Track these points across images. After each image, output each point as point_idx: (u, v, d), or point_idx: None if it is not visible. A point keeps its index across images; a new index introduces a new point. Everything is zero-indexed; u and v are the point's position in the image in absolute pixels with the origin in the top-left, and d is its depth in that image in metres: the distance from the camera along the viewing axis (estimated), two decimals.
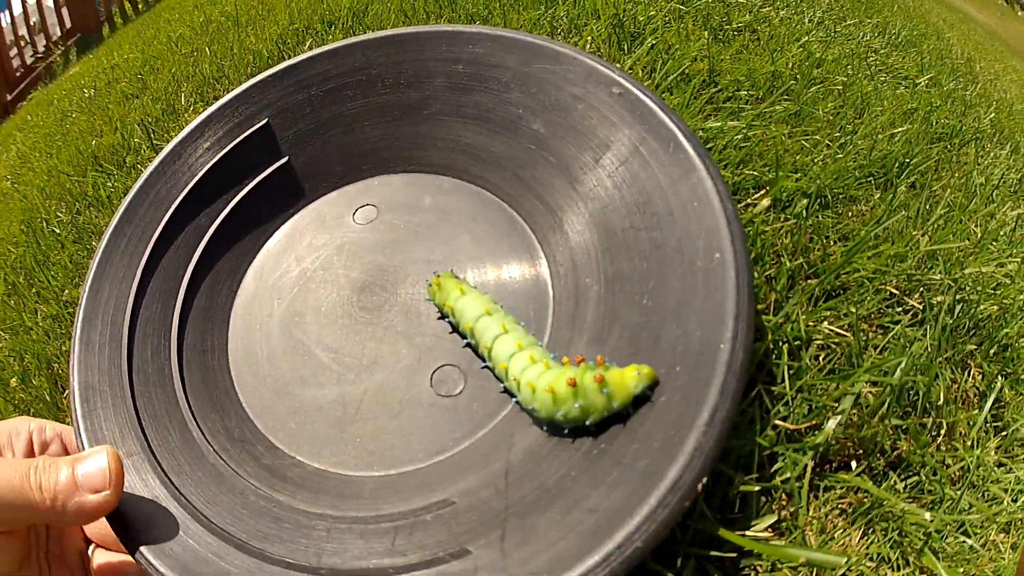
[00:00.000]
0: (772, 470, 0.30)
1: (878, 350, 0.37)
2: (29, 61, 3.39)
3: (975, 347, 0.43)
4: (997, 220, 0.54)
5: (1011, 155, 0.68)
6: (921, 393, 0.37)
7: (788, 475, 0.29)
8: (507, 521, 0.26)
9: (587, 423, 0.27)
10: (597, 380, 0.26)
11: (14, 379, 0.57)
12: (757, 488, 0.27)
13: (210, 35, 1.18)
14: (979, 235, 0.51)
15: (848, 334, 0.36)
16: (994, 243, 0.52)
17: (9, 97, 3.01)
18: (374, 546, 0.27)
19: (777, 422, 0.30)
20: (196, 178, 0.41)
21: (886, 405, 0.35)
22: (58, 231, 0.80)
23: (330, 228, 0.41)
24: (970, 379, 0.42)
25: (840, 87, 0.54)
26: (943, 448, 0.38)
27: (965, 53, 1.31)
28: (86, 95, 1.50)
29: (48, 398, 0.58)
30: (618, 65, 0.41)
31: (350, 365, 0.35)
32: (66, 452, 0.33)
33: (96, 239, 0.72)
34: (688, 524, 0.27)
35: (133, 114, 1.01)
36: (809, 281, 0.38)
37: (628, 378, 0.26)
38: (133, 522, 0.29)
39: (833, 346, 0.36)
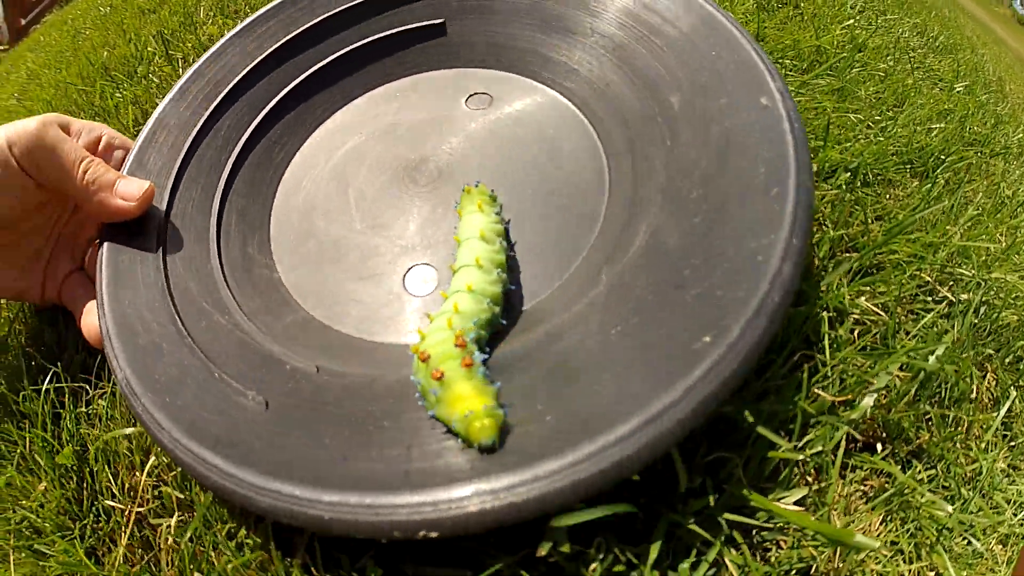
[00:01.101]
0: (803, 441, 0.27)
1: (909, 336, 0.35)
2: None
3: (993, 352, 0.41)
4: (1022, 233, 0.53)
5: None
6: (948, 385, 0.35)
7: (821, 448, 0.27)
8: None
9: (429, 414, 0.24)
10: (434, 376, 0.23)
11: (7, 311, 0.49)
12: (801, 457, 0.24)
13: None
14: (1005, 244, 0.50)
15: (883, 313, 0.34)
16: (1017, 255, 0.51)
17: (23, 22, 2.89)
18: (263, 374, 0.29)
19: (817, 392, 0.28)
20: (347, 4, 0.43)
21: (913, 391, 0.33)
22: None
23: (440, 98, 0.41)
24: (985, 383, 0.40)
25: (882, 74, 0.52)
26: (959, 446, 0.36)
27: (997, 72, 1.31)
28: (101, 12, 1.41)
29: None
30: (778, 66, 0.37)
31: (364, 218, 0.36)
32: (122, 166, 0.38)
33: None
34: (724, 488, 0.24)
35: (149, 27, 0.95)
36: (848, 254, 0.35)
37: (462, 406, 0.22)
38: (115, 260, 0.34)
39: (868, 323, 0.33)
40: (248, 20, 0.43)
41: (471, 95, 0.41)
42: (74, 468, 0.34)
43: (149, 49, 0.79)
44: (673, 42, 0.34)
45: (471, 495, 0.21)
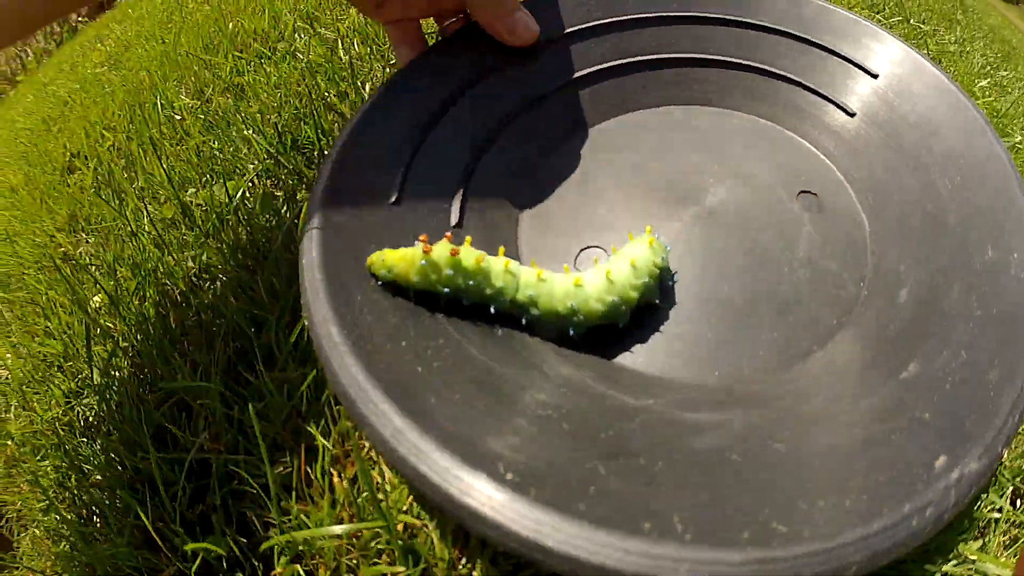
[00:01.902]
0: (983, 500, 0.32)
1: None
2: None
3: None
4: None
5: None
6: None
7: (989, 504, 0.32)
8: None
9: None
10: (425, 250, 0.28)
11: (97, 297, 0.42)
12: (999, 515, 0.29)
13: None
14: None
15: None
16: None
17: None
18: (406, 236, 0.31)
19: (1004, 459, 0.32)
20: None
21: None
22: (180, 116, 0.69)
23: (778, 173, 0.38)
24: None
25: (1018, 144, 0.55)
26: None
27: None
28: None
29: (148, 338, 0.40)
30: None
31: (608, 197, 0.37)
32: None
33: (230, 127, 0.63)
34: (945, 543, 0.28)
35: (280, 4, 0.89)
36: None
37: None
38: (424, 65, 0.37)
39: None
40: None
41: (805, 192, 0.38)
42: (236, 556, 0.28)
43: (298, 22, 0.76)
44: (986, 225, 0.32)
45: (437, 465, 0.21)
